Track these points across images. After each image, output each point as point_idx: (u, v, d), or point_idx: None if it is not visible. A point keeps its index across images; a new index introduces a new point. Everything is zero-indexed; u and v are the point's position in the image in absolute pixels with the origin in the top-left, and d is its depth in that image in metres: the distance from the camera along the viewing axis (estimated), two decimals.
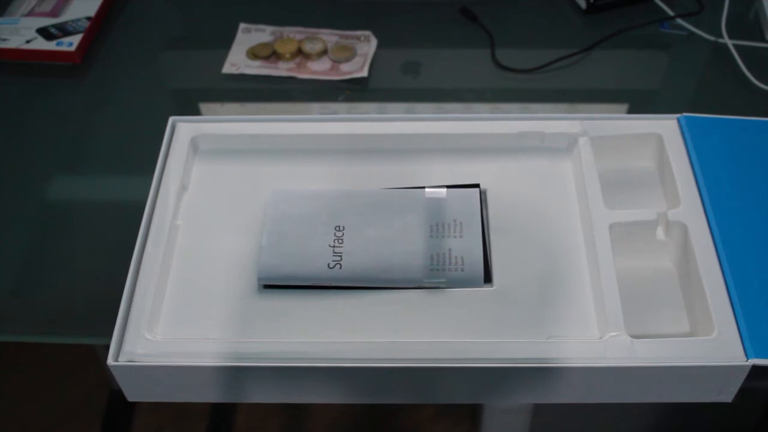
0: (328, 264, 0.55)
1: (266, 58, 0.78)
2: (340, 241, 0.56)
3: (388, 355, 0.50)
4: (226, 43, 0.79)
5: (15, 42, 0.79)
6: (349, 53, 0.77)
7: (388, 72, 0.77)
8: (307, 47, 0.78)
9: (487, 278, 0.55)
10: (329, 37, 0.79)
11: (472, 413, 0.95)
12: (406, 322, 0.53)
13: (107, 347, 0.50)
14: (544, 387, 0.51)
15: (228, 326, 0.53)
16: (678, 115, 0.62)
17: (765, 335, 0.50)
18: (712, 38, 0.79)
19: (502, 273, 0.55)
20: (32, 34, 0.79)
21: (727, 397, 0.52)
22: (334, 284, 0.54)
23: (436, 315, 0.53)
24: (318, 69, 0.76)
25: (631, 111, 0.73)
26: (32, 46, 0.78)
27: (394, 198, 0.59)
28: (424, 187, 0.60)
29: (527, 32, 0.82)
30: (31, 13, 0.82)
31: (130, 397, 0.53)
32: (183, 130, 0.64)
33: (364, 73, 0.75)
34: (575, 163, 0.61)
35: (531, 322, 0.52)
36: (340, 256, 0.56)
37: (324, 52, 0.78)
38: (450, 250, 0.56)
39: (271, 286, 0.55)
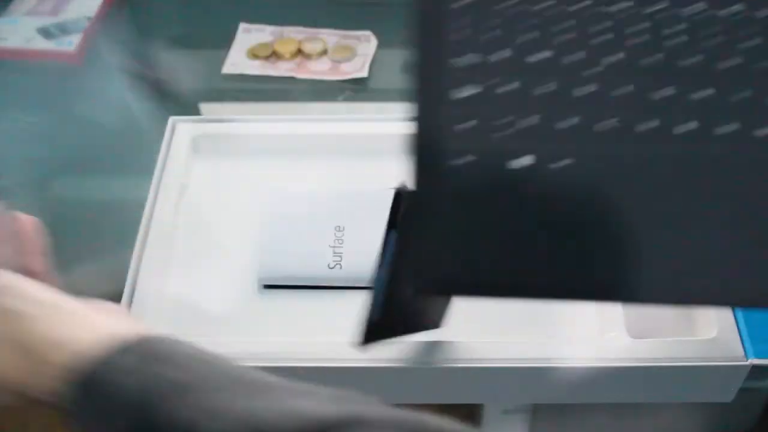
0: (328, 264, 0.55)
1: (266, 58, 0.77)
2: (340, 241, 0.56)
3: (388, 355, 0.50)
4: (226, 43, 0.79)
5: (15, 41, 0.78)
6: (349, 53, 0.77)
7: (388, 72, 0.77)
8: (307, 47, 0.78)
9: None
10: (329, 37, 0.79)
11: (472, 413, 0.95)
12: None
13: None
14: (544, 387, 0.51)
15: (228, 326, 0.53)
16: None
17: (765, 335, 0.50)
18: None
19: None
20: (32, 33, 0.79)
21: (727, 397, 0.52)
22: (334, 284, 0.54)
23: None
24: (318, 69, 0.76)
25: None
26: (32, 45, 0.78)
27: None
28: None
29: None
30: (31, 13, 0.82)
31: None
32: (183, 130, 0.64)
33: (364, 73, 0.75)
34: None
35: (531, 322, 0.52)
36: (340, 256, 0.56)
37: (324, 52, 0.78)
38: None
39: (271, 286, 0.55)
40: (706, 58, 0.41)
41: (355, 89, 0.75)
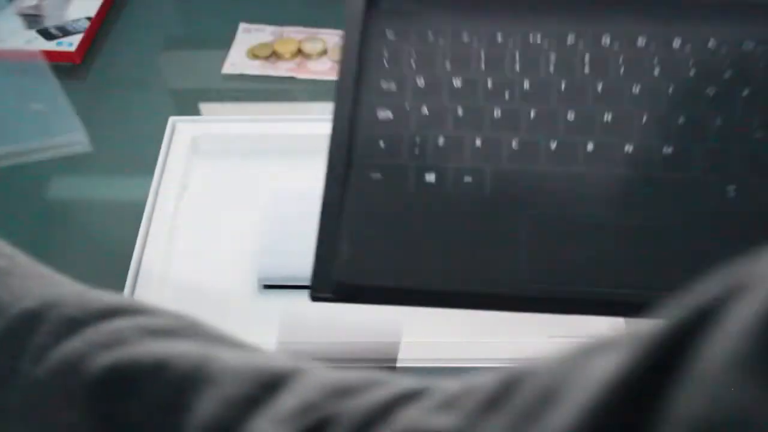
0: None
1: (266, 58, 0.78)
2: None
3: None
4: (226, 43, 0.79)
5: (15, 42, 0.78)
6: None
7: None
8: (307, 47, 0.78)
9: None
10: (329, 37, 0.79)
11: None
12: (405, 322, 0.53)
13: None
14: None
15: (228, 326, 0.53)
16: None
17: None
18: None
19: None
20: (32, 34, 0.79)
21: None
22: None
23: (436, 314, 0.53)
24: (318, 69, 0.76)
25: None
26: (32, 46, 0.78)
27: None
28: None
29: None
30: None
31: None
32: (183, 130, 0.64)
33: None
34: None
35: (531, 321, 0.52)
36: None
37: (324, 52, 0.78)
38: None
39: (271, 286, 0.55)
40: (606, 86, 0.46)
41: None
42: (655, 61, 0.47)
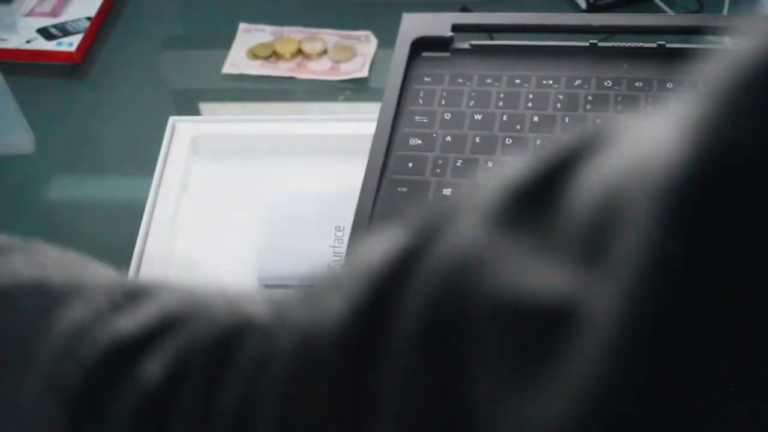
0: (328, 264, 0.55)
1: (266, 58, 0.78)
2: (340, 242, 0.56)
3: None
4: (226, 43, 0.79)
5: (15, 42, 0.78)
6: (349, 53, 0.77)
7: (388, 72, 0.77)
8: (307, 47, 0.78)
9: None
10: (329, 37, 0.79)
11: None
12: None
13: None
14: None
15: None
16: None
17: None
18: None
19: None
20: (32, 34, 0.79)
21: None
22: None
23: None
24: (318, 69, 0.76)
25: None
26: (32, 46, 0.78)
27: None
28: None
29: None
30: (31, 13, 0.82)
31: None
32: (183, 130, 0.64)
33: (364, 73, 0.75)
34: None
35: None
36: (341, 256, 0.56)
37: (324, 52, 0.78)
38: None
39: (271, 286, 0.55)
40: (602, 119, 0.54)
41: (355, 89, 0.75)
42: (649, 99, 0.56)
